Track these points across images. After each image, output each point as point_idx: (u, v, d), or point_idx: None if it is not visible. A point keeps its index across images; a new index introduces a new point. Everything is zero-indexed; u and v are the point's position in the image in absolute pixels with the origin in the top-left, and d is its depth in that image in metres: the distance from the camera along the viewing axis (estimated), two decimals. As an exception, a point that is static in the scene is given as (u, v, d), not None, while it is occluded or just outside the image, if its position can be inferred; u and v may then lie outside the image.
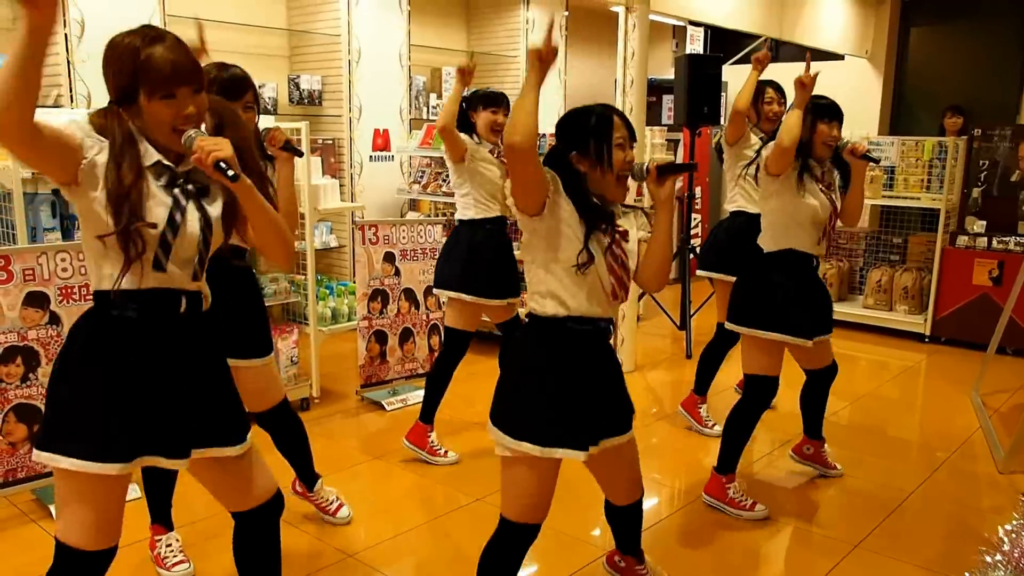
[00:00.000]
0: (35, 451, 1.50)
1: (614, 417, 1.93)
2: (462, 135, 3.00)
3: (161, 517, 2.41)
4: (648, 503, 2.96)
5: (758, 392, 2.76)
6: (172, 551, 2.39)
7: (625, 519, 2.16)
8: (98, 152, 1.41)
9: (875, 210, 5.87)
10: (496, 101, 3.02)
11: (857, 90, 7.52)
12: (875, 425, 3.81)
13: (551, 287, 1.82)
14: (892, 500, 2.95)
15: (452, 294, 3.11)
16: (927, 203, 5.22)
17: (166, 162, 1.48)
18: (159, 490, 2.39)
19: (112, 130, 1.43)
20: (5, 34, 3.86)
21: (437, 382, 3.18)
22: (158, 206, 1.46)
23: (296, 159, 2.31)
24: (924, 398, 4.38)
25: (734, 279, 3.09)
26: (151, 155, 1.47)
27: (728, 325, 2.84)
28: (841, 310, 5.51)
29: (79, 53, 3.82)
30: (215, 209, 1.54)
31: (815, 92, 2.69)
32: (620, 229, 1.85)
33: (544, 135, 4.69)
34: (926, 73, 7.72)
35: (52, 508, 2.67)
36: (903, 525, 2.79)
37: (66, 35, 3.80)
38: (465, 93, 3.06)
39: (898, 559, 2.53)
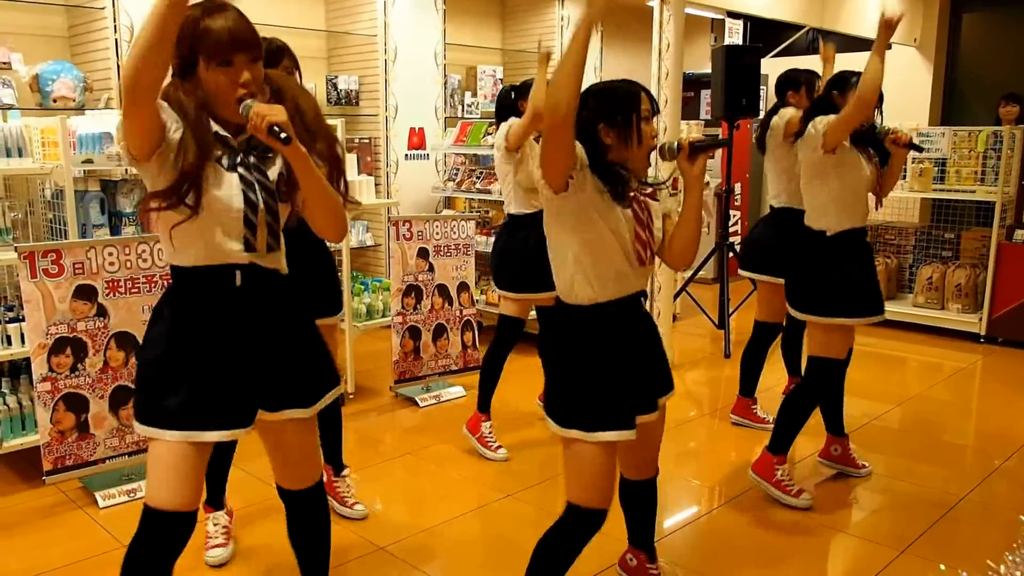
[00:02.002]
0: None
1: (654, 389, 1.93)
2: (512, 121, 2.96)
3: (212, 499, 2.48)
4: (685, 505, 2.90)
5: (826, 375, 2.68)
6: (217, 530, 2.46)
7: (638, 497, 2.12)
8: (175, 131, 1.45)
9: (926, 204, 5.65)
10: None
11: (906, 80, 7.25)
12: (926, 429, 3.65)
13: (578, 272, 1.81)
14: (942, 507, 2.81)
15: (519, 295, 3.15)
16: (982, 196, 5.00)
17: (223, 132, 1.52)
18: (214, 472, 2.47)
19: (186, 104, 1.46)
20: (26, 39, 3.99)
21: (490, 370, 3.22)
22: (230, 189, 1.50)
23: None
24: (979, 401, 4.18)
25: (780, 281, 3.06)
26: (213, 127, 1.51)
27: (797, 314, 2.72)
28: (889, 309, 5.30)
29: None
30: (273, 176, 1.56)
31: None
32: (646, 191, 1.84)
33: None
34: (979, 60, 7.40)
35: (98, 496, 2.75)
36: (954, 533, 2.66)
37: (116, 40, 3.92)
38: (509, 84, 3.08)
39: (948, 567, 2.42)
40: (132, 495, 2.78)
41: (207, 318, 1.55)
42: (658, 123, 3.95)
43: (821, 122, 2.58)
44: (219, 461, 2.52)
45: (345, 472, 2.75)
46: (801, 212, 2.99)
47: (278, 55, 2.30)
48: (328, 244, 2.68)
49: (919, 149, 2.79)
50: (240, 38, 1.43)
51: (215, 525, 2.46)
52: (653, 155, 1.87)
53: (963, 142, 5.07)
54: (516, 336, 3.22)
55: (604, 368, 1.81)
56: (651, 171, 1.94)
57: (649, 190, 1.86)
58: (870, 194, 2.71)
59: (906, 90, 7.22)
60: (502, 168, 3.14)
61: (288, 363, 1.62)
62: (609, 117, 1.77)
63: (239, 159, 1.53)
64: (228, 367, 1.56)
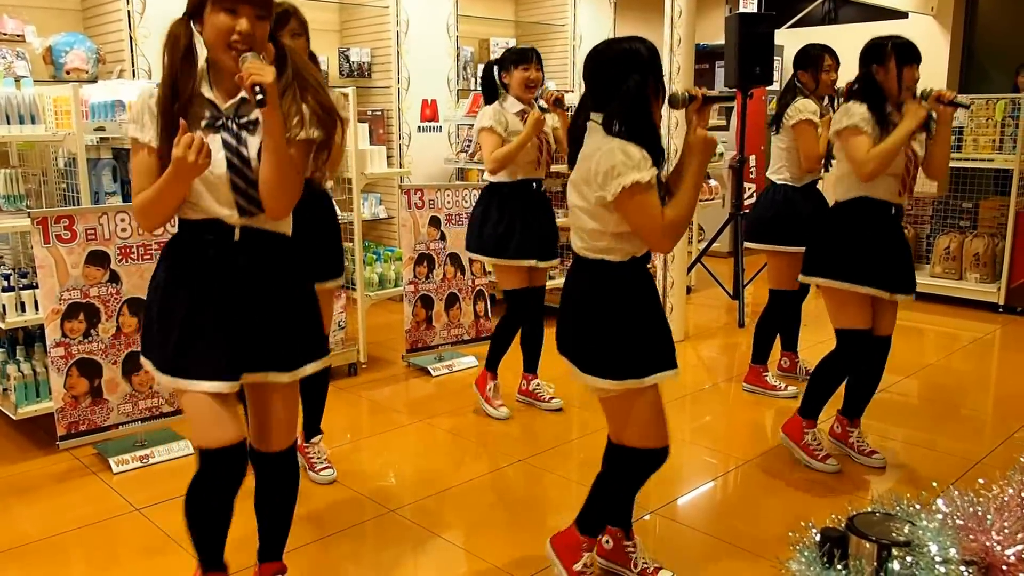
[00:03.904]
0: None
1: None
2: (493, 112, 3.03)
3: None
4: (697, 470, 2.89)
5: (851, 346, 2.65)
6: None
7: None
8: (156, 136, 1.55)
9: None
10: (527, 58, 3.05)
11: (923, 49, 7.06)
12: (944, 398, 3.61)
13: (615, 242, 1.85)
14: (958, 471, 2.78)
15: (496, 261, 3.12)
16: (1000, 164, 4.92)
17: (209, 97, 1.57)
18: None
19: (177, 45, 1.53)
20: (40, 12, 3.97)
21: (502, 339, 3.24)
22: (215, 151, 1.55)
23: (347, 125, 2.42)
24: (998, 370, 4.13)
25: (786, 249, 3.26)
26: (204, 88, 1.58)
27: (802, 278, 2.74)
28: (906, 280, 5.26)
29: (141, 29, 3.93)
30: (255, 145, 1.58)
31: (891, 34, 2.65)
32: None
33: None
34: (997, 29, 7.24)
35: (112, 462, 2.76)
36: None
37: (128, 12, 3.91)
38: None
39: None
40: (145, 461, 2.80)
41: (200, 268, 1.60)
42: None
43: (845, 122, 2.55)
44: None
45: (316, 439, 2.74)
46: (798, 189, 3.30)
47: (285, 17, 2.30)
48: (339, 213, 2.73)
49: (965, 106, 2.64)
50: None
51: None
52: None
53: (981, 110, 4.97)
54: (527, 306, 3.18)
55: (640, 313, 1.88)
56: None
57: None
58: (918, 172, 2.62)
59: (923, 59, 7.07)
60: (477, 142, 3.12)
61: (275, 325, 1.65)
62: (654, 75, 1.82)
63: (224, 122, 1.56)
64: (216, 318, 1.59)
